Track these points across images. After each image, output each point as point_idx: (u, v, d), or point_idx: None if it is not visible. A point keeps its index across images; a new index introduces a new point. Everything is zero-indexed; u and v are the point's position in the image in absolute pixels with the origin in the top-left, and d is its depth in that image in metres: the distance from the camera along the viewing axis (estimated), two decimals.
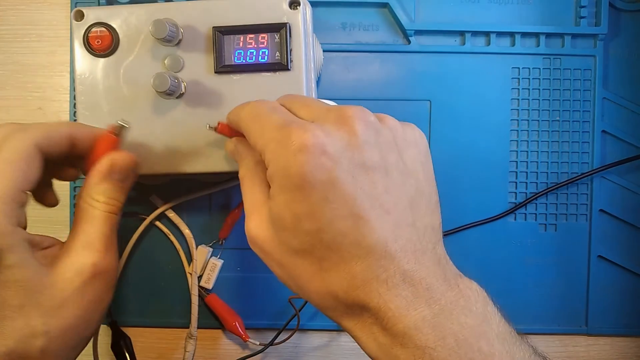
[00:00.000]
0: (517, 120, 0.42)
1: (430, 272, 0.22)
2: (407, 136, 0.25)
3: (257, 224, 0.25)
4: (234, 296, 0.42)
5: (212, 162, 0.34)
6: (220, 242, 0.42)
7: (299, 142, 0.21)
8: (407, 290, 0.21)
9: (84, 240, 0.28)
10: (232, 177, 0.41)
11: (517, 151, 0.42)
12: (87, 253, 0.27)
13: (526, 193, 0.42)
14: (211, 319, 0.42)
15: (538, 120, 0.42)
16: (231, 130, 0.32)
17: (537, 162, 0.42)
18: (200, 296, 0.42)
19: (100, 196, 0.29)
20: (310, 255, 0.23)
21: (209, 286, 0.41)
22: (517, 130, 0.42)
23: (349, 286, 0.22)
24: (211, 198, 0.42)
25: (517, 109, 0.42)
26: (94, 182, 0.29)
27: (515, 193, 0.42)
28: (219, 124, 0.32)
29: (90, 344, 0.41)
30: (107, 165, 0.29)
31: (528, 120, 0.42)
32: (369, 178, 0.22)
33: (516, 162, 0.42)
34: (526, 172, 0.42)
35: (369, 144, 0.23)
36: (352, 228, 0.21)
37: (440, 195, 0.41)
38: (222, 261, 0.42)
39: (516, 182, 0.42)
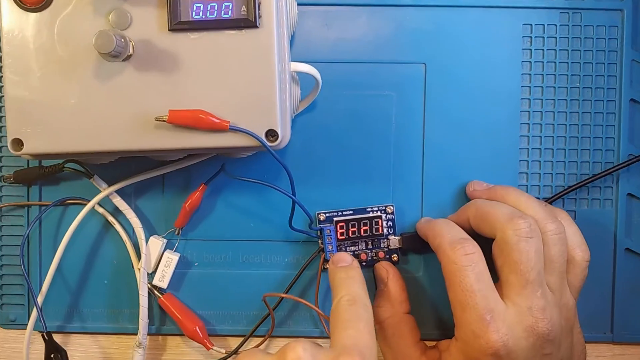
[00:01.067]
0: (529, 87, 0.45)
1: None
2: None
3: None
4: (194, 296, 0.46)
5: (167, 138, 0.36)
6: (176, 232, 0.45)
7: (492, 348, 0.36)
8: None
9: None
10: (190, 155, 0.43)
11: (528, 124, 0.45)
12: None
13: (539, 174, 0.45)
14: (167, 324, 0.46)
15: (554, 87, 0.45)
16: (189, 120, 0.35)
17: (552, 136, 0.45)
18: (153, 296, 0.45)
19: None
20: None
21: (164, 285, 0.45)
22: (529, 99, 0.45)
23: None
24: (164, 180, 0.45)
25: (529, 74, 0.45)
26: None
27: (527, 174, 0.45)
28: (169, 113, 0.35)
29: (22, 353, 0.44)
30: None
31: (542, 87, 0.45)
32: None
33: (527, 137, 0.45)
34: (539, 149, 0.45)
35: (551, 344, 0.37)
36: None
37: (436, 179, 0.45)
38: (179, 255, 0.45)
39: (527, 161, 0.45)
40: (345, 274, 0.41)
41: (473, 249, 0.38)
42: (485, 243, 0.39)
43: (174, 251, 0.45)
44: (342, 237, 0.45)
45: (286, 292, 0.44)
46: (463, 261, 0.38)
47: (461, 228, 0.41)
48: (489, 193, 0.43)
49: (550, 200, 0.45)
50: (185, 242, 0.45)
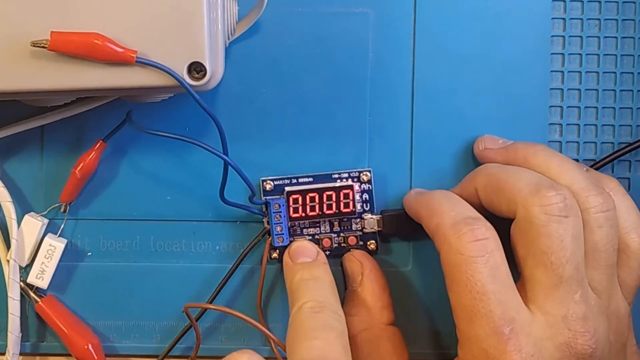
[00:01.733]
0: (564, 1, 0.48)
1: None
2: None
3: None
4: (87, 300, 0.49)
5: (48, 73, 0.38)
6: (62, 209, 0.48)
7: None
8: None
9: None
10: (81, 99, 0.45)
11: (563, 54, 0.49)
12: None
13: (578, 125, 0.49)
14: (48, 339, 0.49)
15: (599, 2, 0.49)
16: (80, 47, 0.37)
17: (597, 72, 0.49)
18: (28, 300, 0.48)
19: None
20: None
21: (44, 284, 0.48)
22: (564, 20, 0.48)
23: None
24: (44, 134, 0.48)
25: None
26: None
27: (560, 126, 0.49)
28: (52, 36, 0.37)
29: None
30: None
31: (582, 1, 0.49)
32: None
33: (562, 72, 0.49)
34: (578, 90, 0.49)
35: None
36: None
37: (430, 134, 0.49)
38: (66, 241, 0.48)
39: (561, 108, 0.49)
40: (309, 273, 0.44)
41: (486, 232, 0.39)
42: (502, 226, 0.41)
43: (59, 236, 0.48)
44: (297, 215, 0.47)
45: (214, 297, 0.48)
46: (472, 250, 0.39)
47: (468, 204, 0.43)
48: (507, 153, 0.45)
49: (595, 165, 0.48)
50: (75, 224, 0.49)
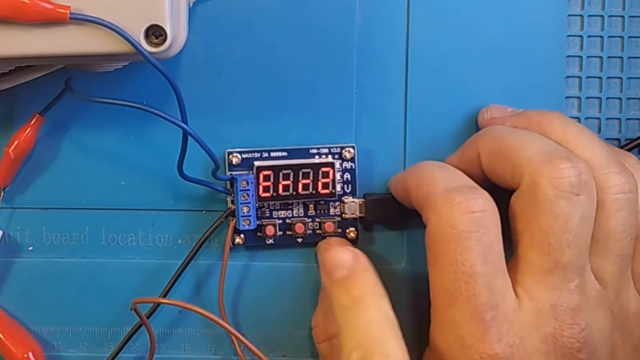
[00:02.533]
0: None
1: None
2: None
3: None
4: (27, 302, 0.50)
5: None
6: None
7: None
8: None
9: None
10: (16, 70, 0.45)
11: (582, 16, 0.50)
12: None
13: (600, 99, 0.50)
14: None
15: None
16: (3, 7, 0.38)
17: (622, 37, 0.50)
18: None
19: None
20: None
21: None
22: (582, 16, 0.50)
23: None
24: None
25: None
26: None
27: (579, 99, 0.50)
28: None
29: None
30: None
31: None
32: None
33: (580, 37, 0.50)
34: (600, 58, 0.50)
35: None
36: None
37: (428, 106, 0.50)
38: (1, 234, 0.49)
39: (580, 78, 0.50)
40: (346, 293, 0.43)
41: (484, 204, 0.40)
42: (503, 199, 0.41)
43: None
44: (267, 195, 0.48)
45: (167, 290, 0.49)
46: (465, 224, 0.39)
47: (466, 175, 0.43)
48: (517, 121, 0.46)
49: (623, 146, 0.49)
50: (12, 213, 0.50)
